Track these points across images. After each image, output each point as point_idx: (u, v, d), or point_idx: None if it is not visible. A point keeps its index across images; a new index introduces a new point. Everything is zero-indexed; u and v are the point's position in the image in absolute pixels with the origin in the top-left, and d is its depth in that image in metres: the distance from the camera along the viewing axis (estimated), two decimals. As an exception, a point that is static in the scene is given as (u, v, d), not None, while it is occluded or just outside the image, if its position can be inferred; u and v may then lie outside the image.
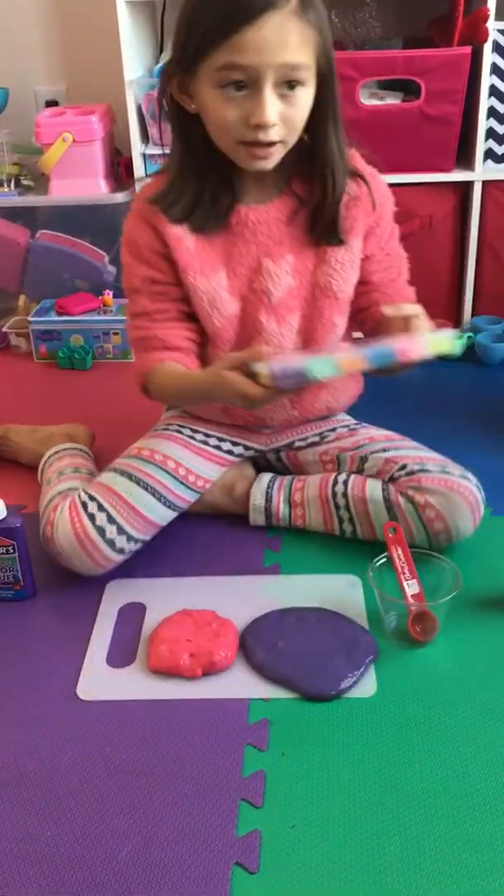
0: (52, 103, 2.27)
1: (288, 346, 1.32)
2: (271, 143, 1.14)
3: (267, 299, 1.29)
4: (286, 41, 1.07)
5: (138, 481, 1.30)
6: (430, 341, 1.09)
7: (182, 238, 1.25)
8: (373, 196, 1.28)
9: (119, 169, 2.16)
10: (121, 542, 1.27)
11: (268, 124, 1.11)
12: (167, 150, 1.27)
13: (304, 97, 1.14)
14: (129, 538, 1.28)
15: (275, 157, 1.17)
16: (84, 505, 1.27)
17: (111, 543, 1.26)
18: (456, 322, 2.10)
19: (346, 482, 1.35)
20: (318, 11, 1.11)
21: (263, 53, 1.07)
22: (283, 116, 1.12)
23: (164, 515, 1.34)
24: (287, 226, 1.27)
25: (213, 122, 1.15)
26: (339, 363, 1.09)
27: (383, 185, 1.33)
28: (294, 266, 1.29)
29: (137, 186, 2.00)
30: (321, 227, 1.26)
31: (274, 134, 1.13)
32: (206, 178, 1.23)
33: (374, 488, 1.32)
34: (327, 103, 1.17)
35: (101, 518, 1.26)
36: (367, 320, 1.36)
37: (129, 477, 1.31)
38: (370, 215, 1.29)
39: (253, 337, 1.31)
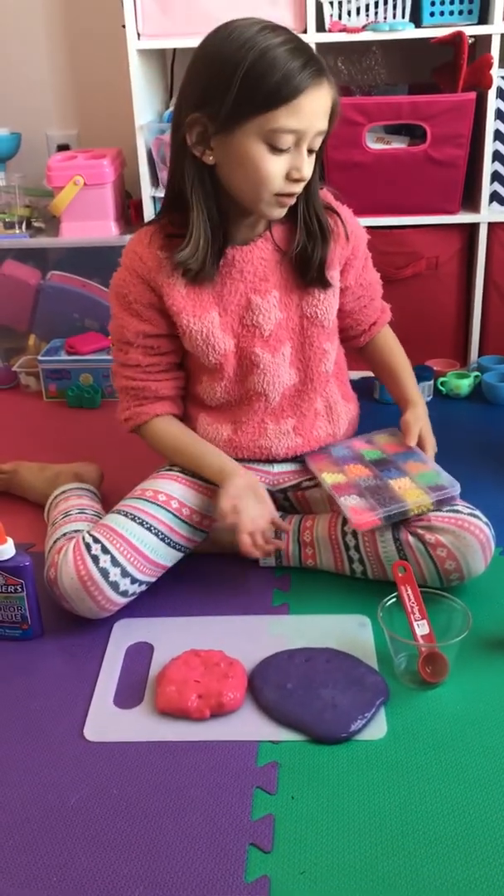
0: (63, 147, 2.31)
1: (283, 376, 1.37)
2: (296, 193, 1.24)
3: (259, 333, 1.34)
4: (326, 108, 1.19)
5: (142, 522, 1.30)
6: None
7: (174, 284, 1.30)
8: (345, 227, 1.36)
9: (129, 212, 2.19)
10: (124, 584, 1.27)
11: (306, 179, 1.22)
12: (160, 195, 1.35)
13: (316, 154, 1.24)
14: (134, 580, 1.28)
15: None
16: (88, 547, 1.26)
17: (115, 586, 1.26)
18: (463, 362, 2.11)
19: (354, 522, 1.34)
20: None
21: (313, 119, 1.17)
22: None
23: (169, 556, 1.34)
24: (270, 263, 1.33)
25: (252, 173, 1.20)
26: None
27: (355, 219, 1.42)
28: (280, 300, 1.35)
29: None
30: (311, 273, 1.33)
31: (301, 186, 1.23)
32: (213, 226, 1.27)
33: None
34: (321, 156, 1.26)
35: (104, 560, 1.25)
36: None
37: (133, 518, 1.31)
38: (346, 247, 1.38)
39: (251, 370, 1.36)
